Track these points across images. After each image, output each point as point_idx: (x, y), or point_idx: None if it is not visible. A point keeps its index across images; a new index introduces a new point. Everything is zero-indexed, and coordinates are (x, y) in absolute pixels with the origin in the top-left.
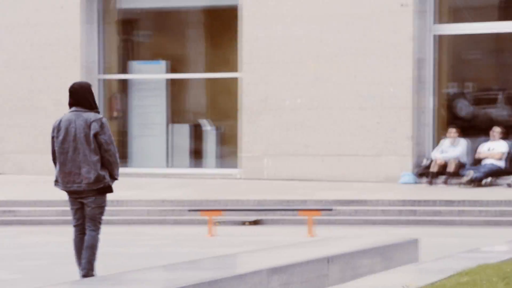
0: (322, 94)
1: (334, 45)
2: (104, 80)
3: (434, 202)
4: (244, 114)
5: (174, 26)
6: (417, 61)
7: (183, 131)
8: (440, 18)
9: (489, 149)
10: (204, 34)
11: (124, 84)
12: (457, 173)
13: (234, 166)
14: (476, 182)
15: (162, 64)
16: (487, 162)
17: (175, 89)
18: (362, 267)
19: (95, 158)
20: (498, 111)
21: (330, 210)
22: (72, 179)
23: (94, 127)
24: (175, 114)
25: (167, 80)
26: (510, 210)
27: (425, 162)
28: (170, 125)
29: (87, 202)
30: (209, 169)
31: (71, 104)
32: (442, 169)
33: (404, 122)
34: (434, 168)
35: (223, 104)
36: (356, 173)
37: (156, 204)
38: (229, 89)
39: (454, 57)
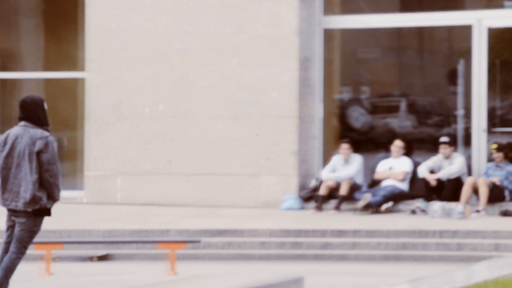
0: (189, 99)
1: (203, 39)
2: None
3: (323, 233)
4: (92, 123)
5: (3, 14)
6: (303, 60)
7: None
8: (331, 8)
9: (390, 168)
10: (42, 25)
11: None
12: (351, 197)
13: (79, 187)
14: (373, 207)
15: None
16: (387, 183)
17: (6, 92)
18: None
19: (34, 177)
20: (400, 122)
21: (198, 242)
22: (11, 197)
23: (39, 145)
24: (6, 121)
25: None
26: (413, 242)
27: (313, 183)
28: None
29: (18, 222)
30: None
31: (20, 119)
32: (333, 192)
33: (288, 134)
34: (323, 191)
35: (64, 111)
36: (230, 197)
37: None
38: (72, 92)
39: (348, 56)
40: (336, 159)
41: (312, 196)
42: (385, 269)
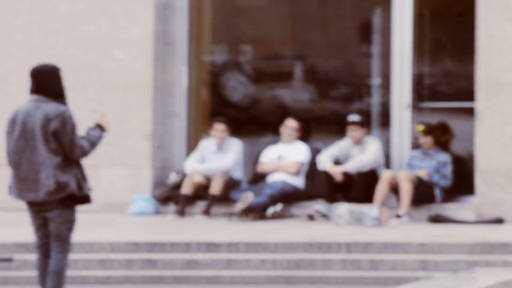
0: None
1: None
2: None
3: (187, 246)
4: None
5: None
6: (161, 8)
7: None
8: None
9: (279, 158)
10: None
11: None
12: (226, 197)
13: None
14: (257, 211)
15: None
16: (276, 178)
17: None
18: None
19: (55, 160)
20: (294, 94)
21: (9, 260)
22: (27, 186)
23: (54, 126)
24: None
25: None
26: (310, 259)
27: (173, 178)
28: None
29: (50, 217)
30: None
31: (31, 91)
32: (202, 191)
33: (139, 110)
34: (187, 189)
35: None
36: None
37: None
38: None
39: (223, 3)
40: (206, 145)
41: (172, 196)
42: None
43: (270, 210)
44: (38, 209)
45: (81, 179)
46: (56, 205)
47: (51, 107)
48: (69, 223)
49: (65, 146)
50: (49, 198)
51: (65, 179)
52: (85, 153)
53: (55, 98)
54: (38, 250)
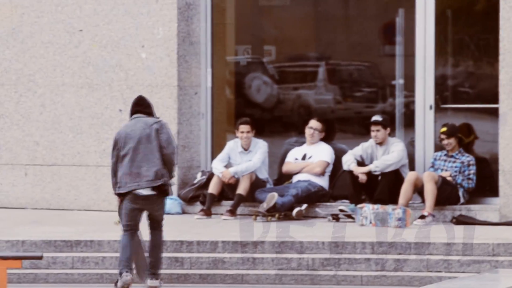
0: (23, 60)
1: None
2: None
3: (213, 245)
4: None
5: None
6: (184, 8)
7: None
8: None
9: (304, 157)
10: None
11: None
12: (251, 197)
13: None
14: (282, 211)
15: None
16: (301, 178)
17: None
18: None
19: (156, 155)
20: (318, 94)
21: (39, 258)
22: (132, 179)
23: (155, 127)
24: None
25: None
26: (335, 258)
27: (199, 177)
28: None
29: (150, 206)
30: None
31: (135, 112)
32: (227, 191)
33: (163, 110)
34: (213, 189)
35: None
36: (83, 196)
37: None
38: None
39: (247, 3)
40: (232, 146)
41: (198, 196)
42: None
43: (295, 210)
44: (138, 198)
45: (169, 173)
46: (154, 192)
47: (149, 119)
48: (163, 208)
49: (163, 141)
50: (149, 185)
51: (162, 171)
52: (174, 153)
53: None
54: (128, 232)
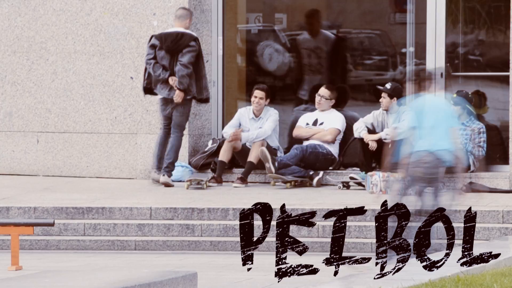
0: (34, 27)
1: None
2: None
3: (224, 213)
4: None
5: None
6: None
7: None
8: None
9: (315, 123)
10: None
11: None
12: (261, 165)
13: None
14: (285, 168)
15: None
16: (311, 143)
17: None
18: None
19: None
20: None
21: (51, 225)
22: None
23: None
24: None
25: None
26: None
27: (210, 145)
28: None
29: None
30: None
31: None
32: (240, 158)
33: None
34: (224, 156)
35: None
36: (95, 163)
37: None
38: None
39: None
40: (243, 113)
41: (209, 163)
42: (306, 260)
43: (315, 179)
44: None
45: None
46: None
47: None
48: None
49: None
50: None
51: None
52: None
53: None
54: (163, 130)
